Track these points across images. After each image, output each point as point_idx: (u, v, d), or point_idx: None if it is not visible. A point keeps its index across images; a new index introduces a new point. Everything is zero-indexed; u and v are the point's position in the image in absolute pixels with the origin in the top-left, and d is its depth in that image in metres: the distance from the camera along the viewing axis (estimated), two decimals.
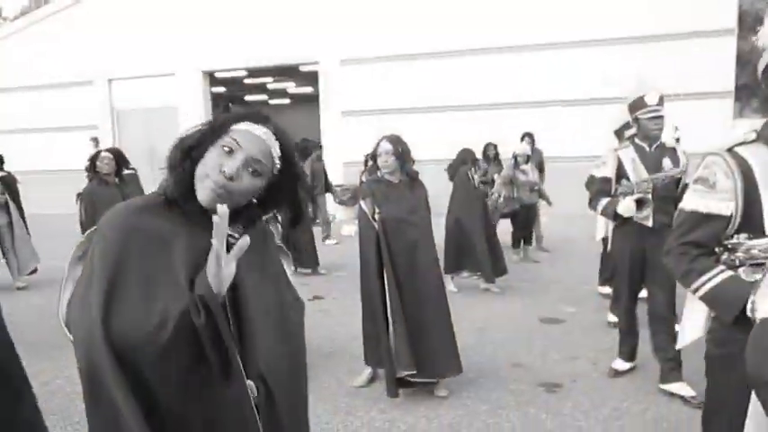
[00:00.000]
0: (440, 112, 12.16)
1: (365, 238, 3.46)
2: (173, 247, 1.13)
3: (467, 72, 11.90)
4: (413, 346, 3.32)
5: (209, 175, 1.13)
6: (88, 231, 1.23)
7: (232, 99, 20.16)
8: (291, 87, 18.81)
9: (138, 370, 1.04)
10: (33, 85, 14.87)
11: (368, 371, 3.70)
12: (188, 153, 1.17)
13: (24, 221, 6.70)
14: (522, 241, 7.39)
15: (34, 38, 14.86)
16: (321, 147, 9.89)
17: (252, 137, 1.17)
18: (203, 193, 1.14)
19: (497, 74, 11.68)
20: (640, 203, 3.36)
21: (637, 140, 3.55)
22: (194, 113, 13.86)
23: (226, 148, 1.14)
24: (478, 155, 6.82)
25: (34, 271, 6.67)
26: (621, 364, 3.73)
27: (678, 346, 1.96)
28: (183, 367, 1.06)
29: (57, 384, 3.86)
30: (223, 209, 1.04)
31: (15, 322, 5.01)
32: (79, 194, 6.57)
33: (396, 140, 3.42)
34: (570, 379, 3.69)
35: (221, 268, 1.04)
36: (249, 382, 1.13)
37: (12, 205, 6.53)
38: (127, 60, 14.07)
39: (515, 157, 7.03)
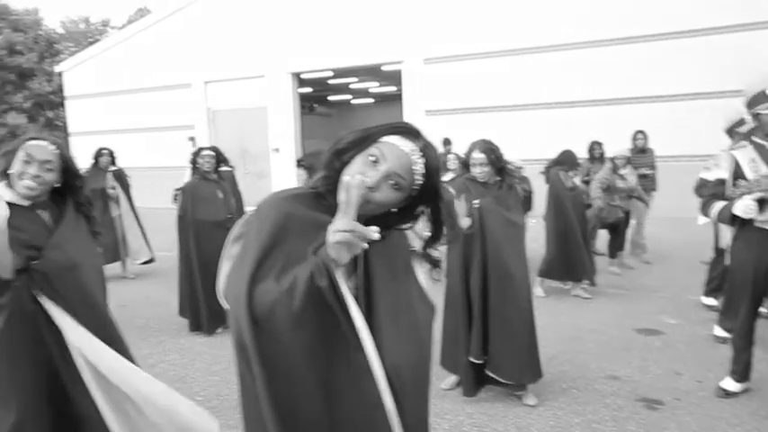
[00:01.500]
0: (530, 109, 11.82)
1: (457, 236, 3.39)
2: (317, 235, 1.18)
3: (560, 68, 11.46)
4: (491, 341, 3.26)
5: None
6: (246, 216, 1.34)
7: (316, 99, 20.66)
8: (374, 87, 19.00)
9: (275, 339, 1.12)
10: (138, 88, 15.94)
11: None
12: (339, 155, 1.24)
13: (135, 214, 7.08)
14: (618, 248, 6.91)
15: (139, 45, 15.94)
16: None
17: (398, 151, 1.20)
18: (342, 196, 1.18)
19: (596, 69, 11.12)
20: (764, 203, 2.98)
21: (755, 138, 3.22)
22: (283, 113, 14.34)
23: (371, 158, 1.19)
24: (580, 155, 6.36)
25: (148, 261, 7.03)
26: (733, 385, 3.40)
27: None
28: (316, 337, 1.12)
29: (161, 368, 4.12)
30: (354, 180, 1.10)
31: (125, 309, 5.46)
32: (178, 189, 6.94)
33: (488, 148, 3.29)
34: (673, 396, 3.44)
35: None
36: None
37: (123, 197, 6.95)
38: (221, 64, 14.76)
39: (613, 159, 6.40)
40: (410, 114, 13.05)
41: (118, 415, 2.16)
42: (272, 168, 14.67)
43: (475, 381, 3.37)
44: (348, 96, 21.14)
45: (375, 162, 1.19)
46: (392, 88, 18.63)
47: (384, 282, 1.24)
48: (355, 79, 17.31)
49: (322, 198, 1.27)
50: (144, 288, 6.49)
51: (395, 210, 1.25)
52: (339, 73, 15.08)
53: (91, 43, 24.74)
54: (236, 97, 15.00)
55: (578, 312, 5.24)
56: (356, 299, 1.16)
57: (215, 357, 4.32)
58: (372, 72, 15.38)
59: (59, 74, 18.69)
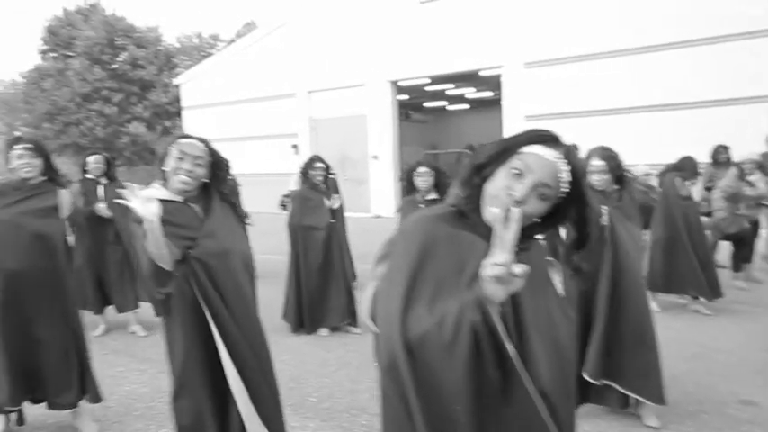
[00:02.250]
0: (641, 112, 11.21)
1: None
2: (463, 255, 1.19)
3: (674, 67, 10.78)
4: (616, 356, 3.09)
5: (496, 196, 1.17)
6: (390, 236, 1.37)
7: (412, 106, 20.84)
8: (471, 93, 18.87)
9: (428, 366, 1.11)
10: (247, 99, 16.88)
11: None
12: (479, 170, 1.22)
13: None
14: (743, 260, 6.38)
15: (248, 58, 16.88)
16: None
17: (542, 161, 1.17)
18: (489, 213, 1.17)
19: (714, 66, 10.34)
20: None
21: None
22: (381, 121, 14.60)
23: (515, 171, 1.17)
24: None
25: None
26: None
27: None
28: (469, 369, 1.09)
29: (276, 367, 4.26)
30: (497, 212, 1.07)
31: None
32: (285, 195, 7.25)
33: (608, 155, 3.15)
34: None
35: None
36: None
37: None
38: (323, 74, 15.30)
39: (739, 165, 5.92)
40: (510, 119, 12.84)
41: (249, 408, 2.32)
42: (371, 175, 14.97)
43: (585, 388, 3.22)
44: (443, 103, 21.14)
45: (519, 175, 1.16)
46: (489, 93, 18.42)
47: (528, 298, 1.20)
48: (452, 85, 17.30)
49: (464, 216, 1.25)
50: None
51: (537, 219, 1.22)
52: (436, 80, 15.14)
53: (203, 56, 26.54)
54: (337, 106, 15.47)
55: (699, 330, 4.90)
56: (503, 316, 1.12)
57: (323, 359, 4.46)
58: (469, 78, 15.30)
59: (177, 86, 20.19)
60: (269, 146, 16.37)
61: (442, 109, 22.47)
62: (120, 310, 5.16)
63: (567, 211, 1.23)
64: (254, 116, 16.67)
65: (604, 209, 3.14)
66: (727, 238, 6.10)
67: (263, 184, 14.60)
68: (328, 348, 4.70)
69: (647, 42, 10.97)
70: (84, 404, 3.25)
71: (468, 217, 1.23)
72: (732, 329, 4.84)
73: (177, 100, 21.85)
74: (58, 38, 25.91)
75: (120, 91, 24.93)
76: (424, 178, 4.17)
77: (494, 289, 1.04)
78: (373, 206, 14.55)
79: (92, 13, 25.80)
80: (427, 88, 17.00)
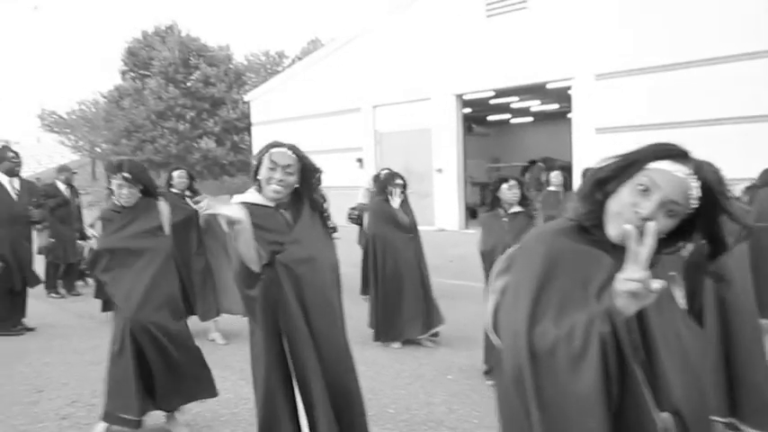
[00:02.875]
0: (711, 125, 10.76)
1: None
2: (587, 270, 1.19)
3: (746, 79, 10.31)
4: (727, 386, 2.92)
5: (621, 213, 1.15)
6: (511, 250, 1.37)
7: (474, 119, 20.77)
8: (536, 105, 18.63)
9: (555, 381, 1.11)
10: (313, 114, 17.33)
11: None
12: (600, 186, 1.21)
13: None
14: None
15: (314, 75, 17.36)
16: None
17: (671, 177, 1.15)
18: (614, 229, 1.17)
19: None
20: None
21: None
22: (446, 134, 14.66)
23: (641, 187, 1.15)
24: None
25: None
26: None
27: None
28: (596, 383, 1.07)
29: None
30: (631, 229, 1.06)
31: None
32: (353, 208, 7.41)
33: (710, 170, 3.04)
34: None
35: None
36: (664, 415, 1.12)
37: None
38: (388, 88, 15.53)
39: None
40: (579, 132, 12.60)
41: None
42: (435, 188, 15.02)
43: None
44: (507, 115, 20.96)
45: (646, 191, 1.13)
46: (554, 106, 18.13)
47: (655, 313, 1.18)
48: (516, 98, 17.16)
49: (585, 232, 1.24)
50: None
51: (663, 235, 1.18)
52: (501, 93, 15.07)
53: (269, 73, 27.45)
54: (402, 120, 15.65)
55: None
56: (631, 330, 1.11)
57: (398, 371, 4.51)
58: (536, 90, 15.12)
59: (246, 102, 21.00)
60: (334, 160, 16.71)
61: (505, 122, 22.25)
62: (204, 318, 5.38)
63: (697, 227, 1.20)
64: (320, 131, 17.10)
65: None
66: None
67: (329, 197, 14.90)
68: (403, 361, 4.75)
69: (724, 52, 10.52)
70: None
71: (591, 232, 1.22)
72: None
73: (245, 116, 22.69)
74: (137, 59, 27.52)
75: (192, 108, 26.13)
76: (514, 191, 4.19)
77: (626, 303, 1.05)
78: (437, 219, 14.56)
79: (168, 35, 27.26)
80: (491, 101, 16.93)
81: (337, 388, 2.39)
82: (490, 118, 21.19)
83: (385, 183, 5.32)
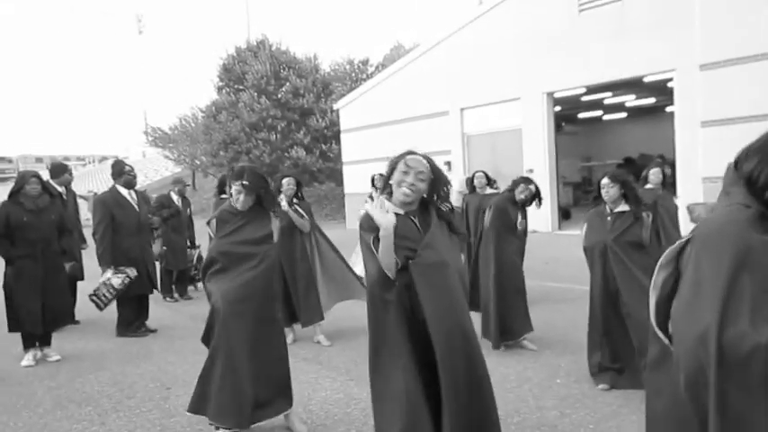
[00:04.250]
0: None
1: None
2: None
3: None
4: None
5: None
6: (677, 245, 1.31)
7: (564, 118, 20.14)
8: (630, 100, 17.78)
9: (746, 389, 1.06)
10: (400, 119, 17.51)
11: None
12: None
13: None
14: None
15: (400, 81, 17.54)
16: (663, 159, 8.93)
17: None
18: None
19: None
20: None
21: None
22: (537, 134, 14.33)
23: None
24: None
25: None
26: None
27: None
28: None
29: None
30: None
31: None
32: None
33: None
34: None
35: None
36: None
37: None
38: (475, 90, 15.40)
39: None
40: (683, 126, 11.89)
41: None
42: None
43: None
44: (599, 112, 20.17)
45: None
46: (651, 100, 17.23)
47: None
48: (610, 94, 16.47)
49: (765, 217, 1.16)
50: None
51: None
52: (593, 89, 14.52)
53: (354, 81, 28.03)
54: (490, 121, 15.45)
55: None
56: None
57: (504, 375, 4.45)
58: (631, 85, 14.44)
59: (335, 111, 21.57)
60: None
61: (597, 119, 21.41)
62: (306, 324, 5.54)
63: None
64: (408, 135, 17.22)
65: None
66: None
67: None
68: (507, 365, 4.70)
69: None
70: (294, 408, 3.62)
71: None
72: None
73: (334, 124, 23.29)
74: (231, 74, 29.01)
75: (282, 119, 27.18)
76: (605, 190, 4.08)
77: None
78: (530, 221, 14.16)
79: (260, 49, 28.54)
80: (582, 98, 16.36)
81: (475, 388, 2.42)
82: (581, 115, 20.48)
83: (512, 188, 5.29)
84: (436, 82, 16.25)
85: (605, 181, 4.11)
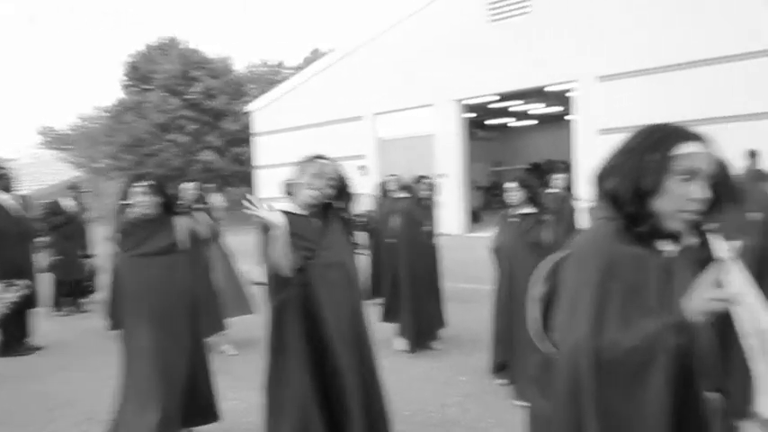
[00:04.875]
0: (713, 123, 10.77)
1: None
2: (643, 274, 1.20)
3: (746, 78, 10.36)
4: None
5: (679, 208, 1.18)
6: (555, 257, 1.38)
7: (477, 124, 20.84)
8: (538, 108, 18.68)
9: (620, 390, 1.11)
10: (315, 123, 17.40)
11: None
12: (636, 185, 1.22)
13: None
14: None
15: (315, 85, 17.45)
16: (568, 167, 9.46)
17: (703, 156, 1.20)
18: (678, 224, 1.19)
19: None
20: None
21: None
22: (449, 140, 14.70)
23: (686, 176, 1.19)
24: None
25: None
26: None
27: None
28: (667, 389, 1.08)
29: None
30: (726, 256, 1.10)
31: None
32: (359, 215, 7.41)
33: (719, 162, 3.09)
34: None
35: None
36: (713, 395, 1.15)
37: None
38: (389, 96, 15.59)
39: None
40: (583, 134, 12.62)
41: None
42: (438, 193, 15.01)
43: None
44: (509, 119, 21.03)
45: (689, 178, 1.17)
46: (558, 108, 18.20)
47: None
48: (520, 102, 17.21)
49: (629, 230, 1.24)
50: None
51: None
52: (504, 97, 15.13)
53: (269, 84, 27.57)
54: (405, 126, 15.70)
55: None
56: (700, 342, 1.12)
57: (410, 375, 4.51)
58: (537, 94, 15.18)
59: (247, 113, 21.07)
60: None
61: (507, 126, 22.32)
62: (208, 334, 5.31)
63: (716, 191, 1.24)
64: (322, 139, 17.17)
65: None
66: None
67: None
68: (414, 365, 4.74)
69: (722, 53, 10.59)
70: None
71: (638, 232, 1.23)
72: None
73: (247, 127, 22.76)
74: (139, 72, 27.67)
75: (194, 120, 26.23)
76: (511, 193, 4.21)
77: (701, 317, 1.08)
78: (441, 224, 14.49)
79: (170, 48, 27.41)
80: (492, 105, 16.99)
81: (368, 386, 2.48)
82: (492, 122, 21.27)
83: (411, 186, 5.34)
84: (351, 87, 16.29)
85: (511, 185, 4.25)
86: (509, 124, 22.12)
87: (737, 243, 2.68)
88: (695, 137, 1.22)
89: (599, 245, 1.25)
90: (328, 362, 2.38)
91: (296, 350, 2.40)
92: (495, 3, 13.62)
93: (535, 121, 21.63)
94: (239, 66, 30.56)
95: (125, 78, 28.16)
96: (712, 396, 1.14)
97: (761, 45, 10.18)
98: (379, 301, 5.82)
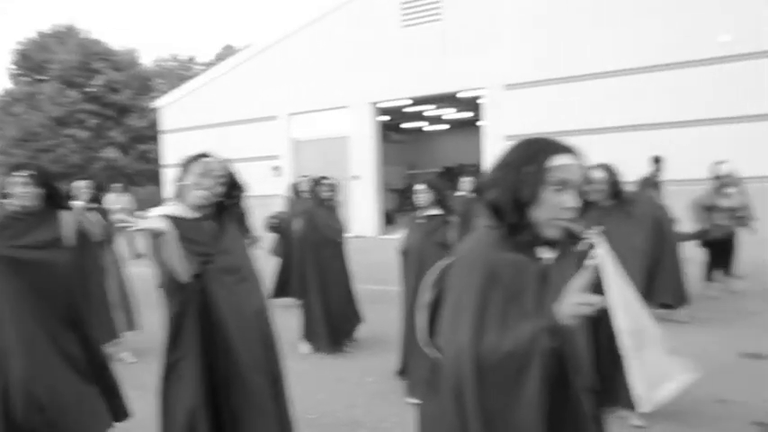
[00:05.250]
0: (612, 132, 11.65)
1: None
2: (522, 279, 1.27)
3: (639, 90, 11.29)
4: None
5: (553, 216, 1.27)
6: (441, 264, 1.43)
7: (392, 127, 21.14)
8: (451, 114, 19.24)
9: (500, 392, 1.17)
10: (227, 122, 16.94)
11: None
12: (515, 195, 1.30)
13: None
14: (724, 271, 6.60)
15: (228, 82, 16.99)
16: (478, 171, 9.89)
17: (576, 168, 1.29)
18: (554, 232, 1.28)
19: (672, 90, 10.92)
20: None
21: None
22: (364, 142, 14.83)
23: (558, 187, 1.27)
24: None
25: None
26: None
27: None
28: (540, 393, 1.14)
29: None
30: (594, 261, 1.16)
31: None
32: (272, 217, 7.34)
33: (608, 168, 3.38)
34: None
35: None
36: None
37: None
38: (305, 96, 15.47)
39: (719, 177, 6.21)
40: (490, 140, 13.16)
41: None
42: (352, 195, 15.12)
43: None
44: (423, 123, 21.49)
45: (562, 189, 1.26)
46: (469, 114, 18.81)
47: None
48: (432, 107, 17.64)
49: (510, 237, 1.31)
50: None
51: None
52: (417, 101, 15.45)
53: (180, 79, 26.52)
54: (319, 127, 15.64)
55: (676, 336, 5.08)
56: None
57: (319, 377, 4.53)
58: (449, 99, 15.63)
59: (154, 110, 20.15)
60: (250, 168, 16.38)
61: (421, 130, 22.80)
62: (101, 342, 5.06)
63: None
64: (235, 139, 16.75)
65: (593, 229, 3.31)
66: (709, 247, 6.36)
67: (249, 206, 14.61)
68: (323, 367, 4.77)
69: (624, 65, 11.44)
70: None
71: (518, 240, 1.30)
72: (707, 335, 5.06)
73: (155, 124, 21.79)
74: (32, 61, 25.68)
75: (96, 115, 24.73)
76: (419, 195, 4.34)
77: (573, 321, 1.15)
78: (355, 226, 14.67)
79: (67, 36, 25.65)
80: (407, 109, 17.30)
81: (274, 388, 2.45)
82: (407, 126, 21.64)
83: (313, 186, 5.33)
84: (266, 86, 16.03)
85: (420, 187, 4.38)
86: (424, 128, 22.60)
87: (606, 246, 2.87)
88: (567, 149, 1.32)
89: (481, 252, 1.31)
90: (230, 367, 2.32)
91: (193, 357, 2.33)
92: (408, 8, 13.92)
93: (448, 126, 22.25)
94: (147, 59, 29.12)
95: (13, 67, 26.03)
96: (587, 395, 1.24)
97: (660, 59, 11.10)
98: (288, 301, 5.82)
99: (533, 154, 1.31)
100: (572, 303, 1.14)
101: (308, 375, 4.57)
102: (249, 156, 16.54)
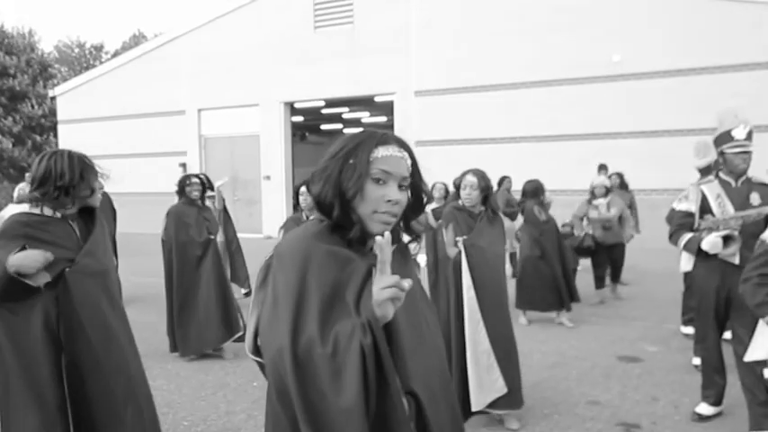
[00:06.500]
0: (512, 142, 12.12)
1: (444, 264, 3.50)
2: (342, 272, 1.22)
3: (542, 103, 11.83)
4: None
5: (377, 209, 1.24)
6: (266, 261, 1.36)
7: (308, 128, 20.93)
8: (366, 117, 19.30)
9: (319, 393, 1.12)
10: (132, 114, 16.07)
11: None
12: (338, 189, 1.27)
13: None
14: (611, 278, 6.99)
15: (134, 72, 16.13)
16: None
17: (394, 160, 1.27)
18: (378, 227, 1.24)
19: (572, 104, 11.54)
20: (727, 240, 3.20)
21: (722, 175, 3.42)
22: (274, 142, 14.53)
23: (379, 181, 1.25)
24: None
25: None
26: (706, 409, 3.53)
27: (745, 359, 2.31)
28: (360, 388, 1.11)
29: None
30: (387, 236, 1.12)
31: None
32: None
33: (481, 175, 3.45)
34: (650, 420, 3.54)
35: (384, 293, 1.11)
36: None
37: None
38: (215, 92, 14.98)
39: (592, 190, 6.62)
40: None
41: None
42: (263, 195, 14.79)
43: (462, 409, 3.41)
44: (339, 125, 21.43)
45: (384, 182, 1.24)
46: (383, 118, 18.95)
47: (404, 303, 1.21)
48: (347, 109, 17.61)
49: (338, 230, 1.28)
50: (131, 313, 6.48)
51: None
52: (331, 103, 15.36)
53: (85, 68, 24.95)
54: (229, 125, 15.18)
55: (561, 340, 5.34)
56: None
57: (202, 382, 4.36)
58: (364, 102, 15.67)
59: (53, 98, 18.80)
60: (155, 164, 15.66)
61: (338, 131, 22.73)
62: None
63: (414, 191, 1.34)
64: (141, 132, 15.93)
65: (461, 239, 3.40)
66: (580, 252, 6.70)
67: (149, 203, 13.95)
68: (206, 371, 4.58)
69: (532, 78, 11.94)
70: None
71: (344, 234, 1.27)
72: (589, 340, 5.33)
73: (53, 113, 20.34)
74: None
75: None
76: (304, 197, 4.24)
77: (387, 309, 1.11)
78: (265, 227, 14.34)
79: None
80: (323, 111, 17.18)
81: (134, 394, 2.33)
82: (324, 127, 21.50)
83: (181, 184, 5.07)
84: (174, 79, 15.38)
85: (305, 189, 4.27)
86: (341, 130, 22.55)
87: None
88: (392, 141, 1.30)
89: (299, 245, 1.26)
90: (82, 371, 2.21)
91: (41, 362, 2.17)
92: (320, 10, 13.83)
93: (362, 129, 22.30)
94: (47, 44, 27.20)
95: None
96: (406, 397, 1.20)
97: (563, 73, 11.67)
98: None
99: (356, 146, 1.28)
100: (381, 288, 1.11)
101: (190, 381, 4.39)
102: (156, 151, 15.79)
